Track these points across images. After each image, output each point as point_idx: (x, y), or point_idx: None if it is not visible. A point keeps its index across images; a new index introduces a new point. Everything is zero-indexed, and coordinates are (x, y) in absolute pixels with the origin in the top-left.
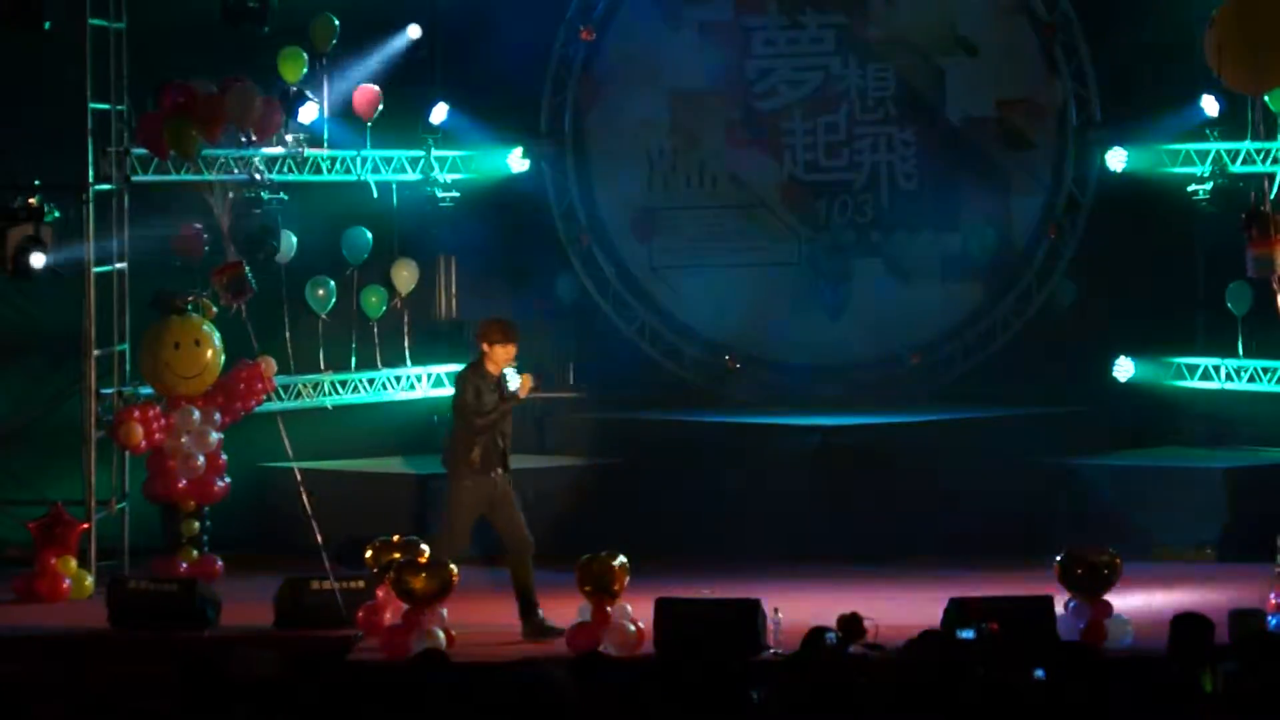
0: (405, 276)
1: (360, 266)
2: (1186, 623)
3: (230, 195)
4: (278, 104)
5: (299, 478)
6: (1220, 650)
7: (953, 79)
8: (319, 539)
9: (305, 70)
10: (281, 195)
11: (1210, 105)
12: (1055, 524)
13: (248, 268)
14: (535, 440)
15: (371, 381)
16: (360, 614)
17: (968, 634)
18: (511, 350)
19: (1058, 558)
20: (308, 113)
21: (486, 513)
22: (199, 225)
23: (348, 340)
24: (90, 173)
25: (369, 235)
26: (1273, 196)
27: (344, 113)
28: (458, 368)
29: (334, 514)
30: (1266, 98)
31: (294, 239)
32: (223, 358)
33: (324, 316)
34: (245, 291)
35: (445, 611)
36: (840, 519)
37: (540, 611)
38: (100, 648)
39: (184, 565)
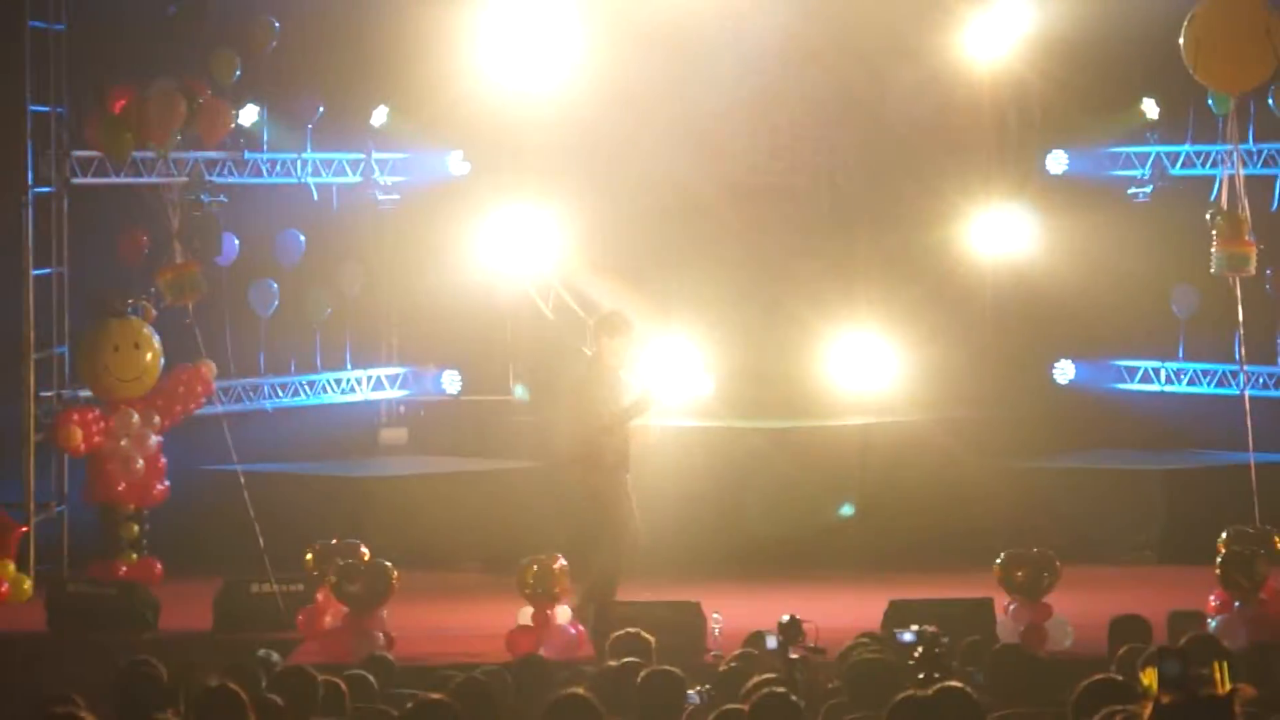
0: (352, 280)
1: (300, 269)
2: (1125, 625)
3: (175, 198)
4: (224, 106)
5: (243, 481)
6: (1161, 651)
7: (894, 82)
8: (260, 542)
9: (238, 72)
10: (221, 197)
11: (1150, 108)
12: (995, 526)
13: (198, 269)
14: (477, 443)
15: (312, 384)
16: (300, 617)
17: (907, 636)
18: (625, 343)
19: (998, 560)
20: (247, 115)
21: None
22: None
23: (288, 343)
24: (29, 175)
25: (302, 238)
26: (1213, 198)
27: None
28: (398, 371)
29: (274, 517)
30: (1210, 100)
31: (236, 241)
32: (162, 360)
33: (265, 318)
34: (193, 292)
35: (385, 614)
36: (780, 521)
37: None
38: (39, 651)
39: (123, 568)
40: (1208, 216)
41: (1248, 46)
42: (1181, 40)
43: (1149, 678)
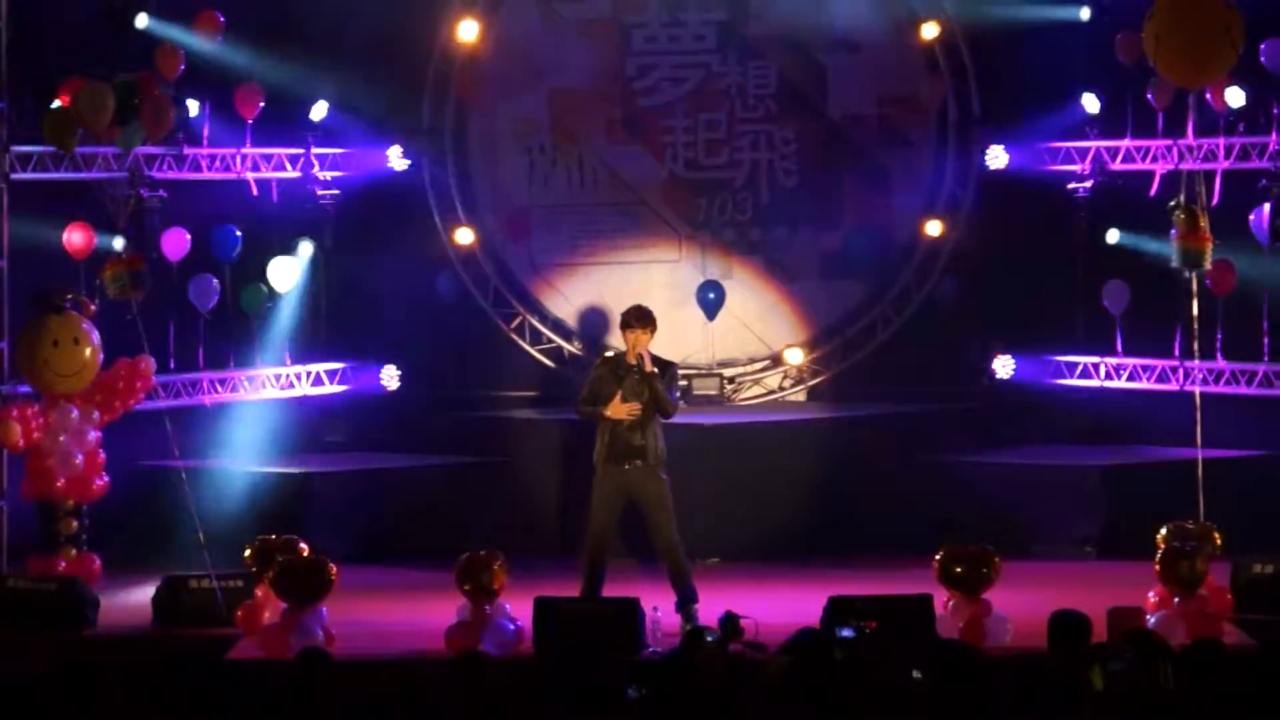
0: (285, 274)
1: (239, 264)
2: (1064, 620)
3: (120, 193)
4: (168, 101)
5: (184, 477)
6: (1107, 648)
7: (833, 76)
8: (201, 538)
9: (182, 67)
10: (160, 192)
11: (1090, 103)
12: (934, 522)
13: (143, 264)
14: (414, 439)
15: (251, 380)
16: (239, 613)
17: (846, 632)
18: (636, 337)
19: (937, 556)
20: (189, 109)
21: (637, 505)
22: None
23: (227, 338)
24: None
25: (238, 233)
26: (1152, 194)
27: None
28: (337, 366)
29: (213, 513)
30: (1149, 95)
31: (188, 236)
32: (101, 356)
33: (206, 314)
34: (137, 288)
35: (325, 610)
36: (720, 517)
37: (694, 609)
38: None
39: (62, 564)
40: (1168, 209)
41: (1208, 42)
42: (1143, 34)
43: (1096, 675)
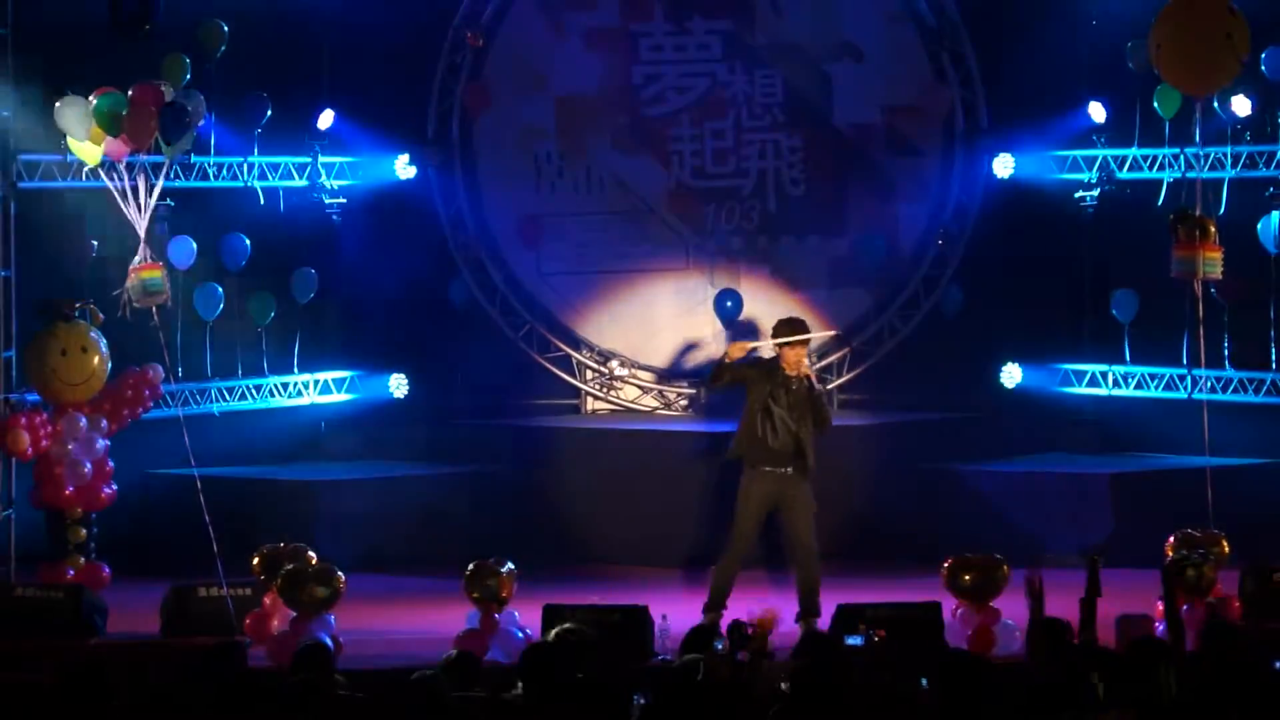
0: (299, 284)
1: (246, 273)
2: (1044, 629)
3: (141, 201)
4: (154, 114)
5: (199, 486)
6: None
7: (840, 85)
8: (215, 546)
9: (188, 76)
10: (168, 201)
11: (1097, 111)
12: (942, 530)
13: (164, 272)
14: (423, 447)
15: (258, 388)
16: (248, 621)
17: (855, 640)
18: (798, 354)
19: (945, 564)
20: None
21: (779, 510)
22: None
23: (234, 347)
24: None
25: (247, 241)
26: (1159, 204)
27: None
28: (345, 374)
29: (221, 521)
30: (1156, 103)
31: (193, 245)
32: (109, 364)
33: (210, 323)
34: (160, 295)
35: (333, 618)
36: (728, 525)
37: (814, 623)
38: None
39: (71, 572)
40: (1171, 218)
41: (1212, 50)
42: (1147, 42)
43: (1168, 677)
